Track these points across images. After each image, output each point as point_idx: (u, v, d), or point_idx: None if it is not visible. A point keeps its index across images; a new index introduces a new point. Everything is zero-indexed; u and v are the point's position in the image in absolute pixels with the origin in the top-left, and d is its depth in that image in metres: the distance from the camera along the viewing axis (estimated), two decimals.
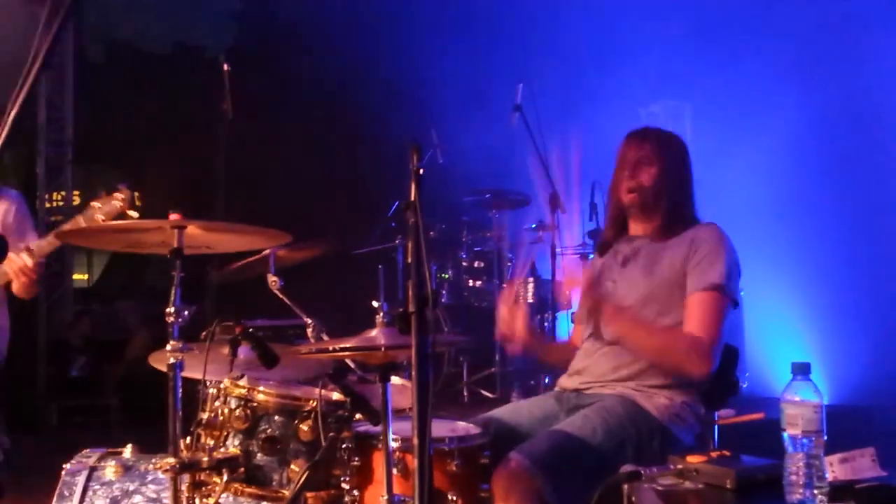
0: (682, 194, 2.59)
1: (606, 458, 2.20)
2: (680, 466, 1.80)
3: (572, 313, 3.00)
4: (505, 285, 2.85)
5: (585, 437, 2.24)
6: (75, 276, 10.43)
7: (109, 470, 2.52)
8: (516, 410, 2.58)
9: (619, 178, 2.62)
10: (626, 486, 1.79)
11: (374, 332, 2.05)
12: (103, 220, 2.97)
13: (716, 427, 2.62)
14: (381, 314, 2.07)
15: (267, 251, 3.07)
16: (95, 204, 3.05)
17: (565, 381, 2.61)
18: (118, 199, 2.99)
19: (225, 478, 2.18)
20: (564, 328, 5.17)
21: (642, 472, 1.78)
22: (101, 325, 9.17)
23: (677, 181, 2.58)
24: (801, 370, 1.62)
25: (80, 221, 3.00)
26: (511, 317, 2.60)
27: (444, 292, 6.01)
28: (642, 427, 2.31)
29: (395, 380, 2.45)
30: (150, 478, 2.50)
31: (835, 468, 1.71)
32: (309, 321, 2.88)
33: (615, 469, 2.03)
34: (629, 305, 2.50)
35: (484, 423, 2.41)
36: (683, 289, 2.44)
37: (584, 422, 2.28)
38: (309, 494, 2.19)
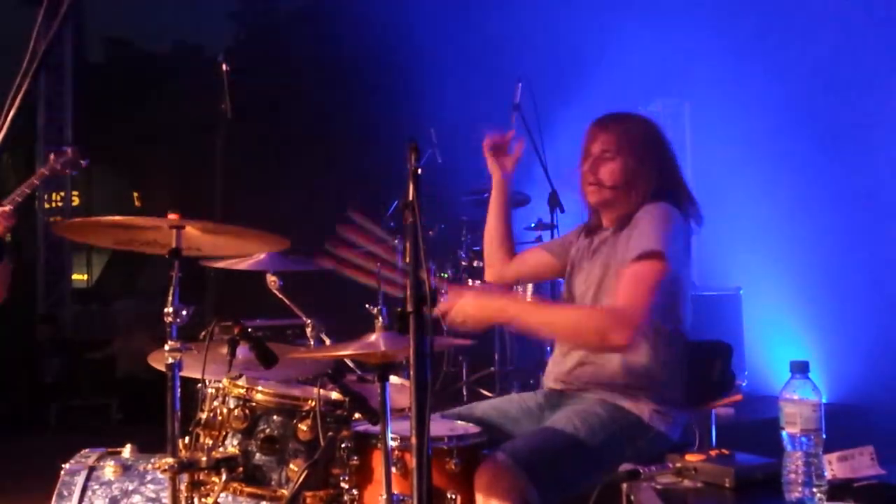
0: (647, 185, 2.43)
1: (590, 456, 2.18)
2: (679, 465, 1.81)
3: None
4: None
5: (567, 435, 2.21)
6: (74, 277, 10.44)
7: (108, 469, 2.52)
8: (508, 402, 2.56)
9: (583, 172, 2.53)
10: (625, 485, 1.79)
11: (373, 337, 2.05)
12: (47, 174, 3.61)
13: (713, 426, 2.62)
14: (380, 318, 2.07)
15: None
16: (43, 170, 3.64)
17: (551, 368, 2.56)
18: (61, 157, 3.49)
19: (224, 477, 2.18)
20: None
21: (641, 470, 1.78)
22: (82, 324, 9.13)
23: (642, 172, 2.45)
24: (800, 369, 1.62)
25: (27, 189, 3.52)
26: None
27: (443, 292, 6.00)
28: (625, 425, 2.28)
29: (394, 379, 2.45)
30: (148, 477, 2.51)
31: (833, 466, 1.71)
32: (308, 321, 2.87)
33: (599, 467, 2.03)
34: (588, 296, 2.44)
35: (471, 414, 2.41)
36: None
37: (566, 422, 2.26)
38: (308, 494, 2.18)
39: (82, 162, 3.80)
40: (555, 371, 2.52)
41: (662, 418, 2.32)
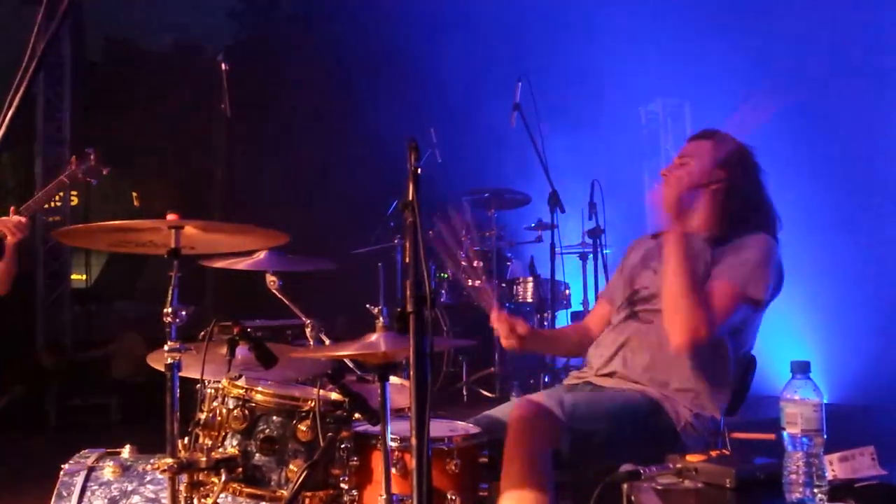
0: (729, 202, 2.49)
1: (622, 435, 2.22)
2: (679, 465, 1.80)
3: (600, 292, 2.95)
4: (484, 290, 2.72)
5: (610, 409, 2.26)
6: (74, 277, 10.42)
7: (108, 470, 2.52)
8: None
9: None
10: (625, 486, 1.78)
11: (373, 337, 2.04)
12: (67, 183, 3.28)
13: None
14: (380, 318, 2.06)
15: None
16: (62, 178, 3.33)
17: (593, 357, 2.55)
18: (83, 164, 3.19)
19: (223, 478, 2.17)
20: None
21: (641, 471, 1.78)
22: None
23: (721, 187, 2.49)
24: (801, 369, 1.62)
25: (45, 196, 3.27)
26: (507, 325, 2.53)
27: (443, 292, 6.00)
28: (657, 430, 2.31)
29: (394, 379, 2.45)
30: (148, 478, 2.50)
31: (834, 467, 1.71)
32: (307, 321, 2.87)
33: (623, 453, 2.03)
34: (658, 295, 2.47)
35: (482, 423, 2.40)
36: None
37: (610, 399, 2.31)
38: (307, 494, 2.18)
39: (104, 170, 3.50)
40: (608, 365, 2.50)
41: (693, 432, 2.35)
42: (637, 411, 2.30)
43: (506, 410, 2.57)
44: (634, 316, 2.52)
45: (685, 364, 2.38)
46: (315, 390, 2.22)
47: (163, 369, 2.22)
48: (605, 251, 5.70)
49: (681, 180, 2.45)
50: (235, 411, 2.24)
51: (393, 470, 2.00)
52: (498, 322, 2.50)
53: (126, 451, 2.62)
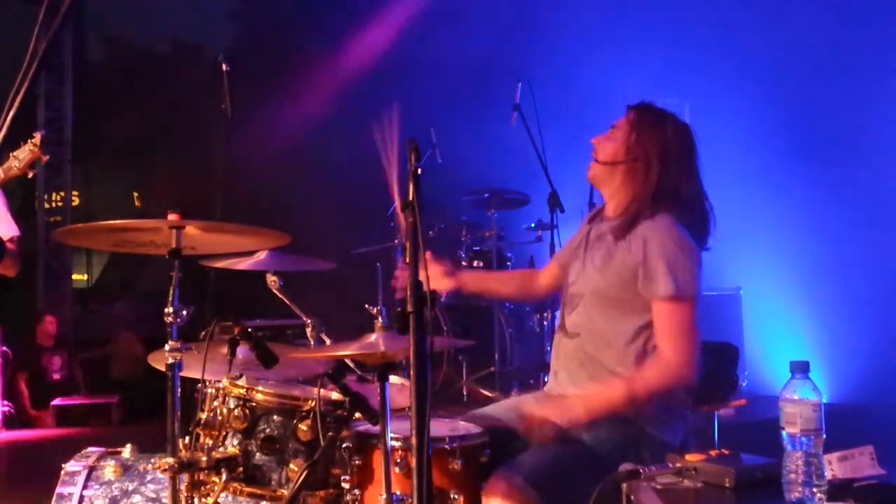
0: (645, 179, 2.36)
1: (597, 465, 2.15)
2: (679, 465, 1.80)
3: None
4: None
5: (574, 446, 2.22)
6: (74, 276, 10.43)
7: (108, 469, 2.52)
8: (511, 407, 2.55)
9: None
10: (624, 485, 1.79)
11: (373, 337, 2.05)
12: (19, 169, 2.83)
13: (716, 426, 2.61)
14: (380, 318, 2.07)
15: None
16: (14, 154, 2.87)
17: (551, 384, 2.55)
18: (32, 145, 2.87)
19: (224, 477, 2.18)
20: None
21: (641, 470, 1.78)
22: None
23: (641, 162, 2.37)
24: (800, 368, 1.62)
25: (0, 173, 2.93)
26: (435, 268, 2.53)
27: (443, 292, 5.99)
28: (630, 434, 2.28)
29: (394, 379, 2.45)
30: (149, 477, 2.50)
31: (834, 466, 1.71)
32: (308, 321, 2.87)
33: (605, 476, 2.02)
34: (581, 294, 2.43)
35: (480, 420, 2.39)
36: (636, 287, 2.31)
37: (573, 431, 2.25)
38: (307, 493, 2.18)
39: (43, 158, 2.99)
40: (558, 389, 2.49)
41: (665, 427, 2.33)
42: (604, 433, 2.25)
43: (500, 407, 2.57)
44: (563, 329, 2.48)
45: (620, 365, 2.33)
46: (315, 390, 2.23)
47: (164, 369, 2.23)
48: None
49: (606, 153, 2.44)
50: (236, 411, 2.25)
51: (396, 469, 2.00)
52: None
53: (127, 451, 2.63)
